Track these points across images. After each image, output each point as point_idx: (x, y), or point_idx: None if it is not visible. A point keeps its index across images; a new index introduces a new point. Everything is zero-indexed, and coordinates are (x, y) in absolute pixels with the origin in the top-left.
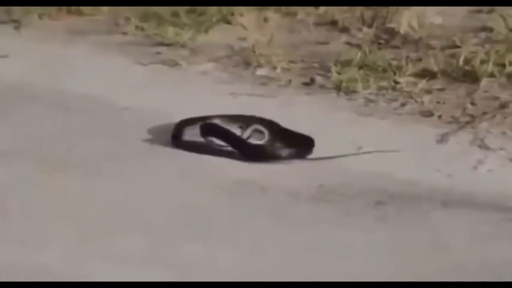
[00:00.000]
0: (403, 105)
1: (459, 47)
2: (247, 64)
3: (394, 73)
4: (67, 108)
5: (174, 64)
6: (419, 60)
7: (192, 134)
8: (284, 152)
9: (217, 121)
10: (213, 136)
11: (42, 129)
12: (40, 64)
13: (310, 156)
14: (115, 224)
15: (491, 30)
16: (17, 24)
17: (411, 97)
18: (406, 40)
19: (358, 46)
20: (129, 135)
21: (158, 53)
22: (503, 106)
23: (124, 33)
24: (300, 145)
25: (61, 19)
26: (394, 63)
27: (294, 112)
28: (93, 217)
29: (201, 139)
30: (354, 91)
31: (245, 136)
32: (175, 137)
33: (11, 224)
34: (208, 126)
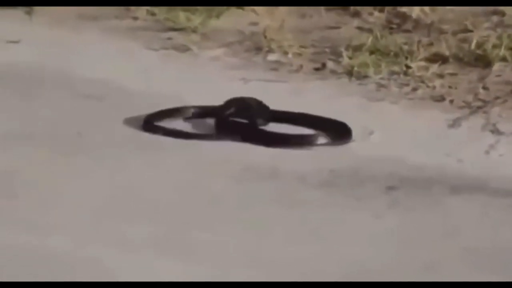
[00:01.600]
0: (414, 89)
1: (471, 31)
2: (258, 49)
3: (406, 58)
4: (78, 92)
5: (185, 49)
6: (431, 44)
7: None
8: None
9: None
10: (230, 133)
11: (52, 113)
12: (51, 49)
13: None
14: (123, 209)
15: (503, 14)
16: (28, 9)
17: (422, 82)
18: (417, 24)
19: (370, 31)
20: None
21: (169, 38)
22: None
23: (135, 18)
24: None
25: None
26: (406, 47)
27: (306, 97)
28: (102, 202)
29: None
30: (366, 76)
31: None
32: (147, 122)
33: (20, 208)
34: (224, 123)
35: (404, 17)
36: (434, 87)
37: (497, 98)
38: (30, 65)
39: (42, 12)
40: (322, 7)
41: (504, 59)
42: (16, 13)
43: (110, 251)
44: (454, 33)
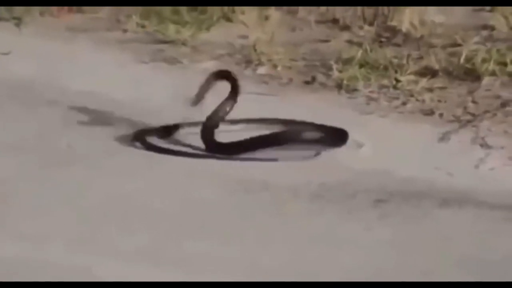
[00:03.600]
0: (404, 103)
1: (460, 45)
2: (248, 62)
3: (396, 71)
4: (68, 104)
5: (175, 61)
6: (421, 58)
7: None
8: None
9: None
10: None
11: (43, 125)
12: (41, 61)
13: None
14: (115, 220)
15: (492, 28)
16: (18, 21)
17: (412, 96)
18: (407, 38)
19: (359, 44)
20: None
21: (160, 50)
22: (504, 104)
23: (125, 30)
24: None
25: (62, 17)
26: (395, 61)
27: (296, 110)
28: (95, 213)
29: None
30: (355, 89)
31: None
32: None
33: (14, 219)
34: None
35: (394, 31)
36: (423, 101)
37: (486, 112)
38: (20, 76)
39: (32, 23)
40: (313, 20)
41: (493, 73)
42: (5, 25)
43: (102, 261)
44: (444, 47)
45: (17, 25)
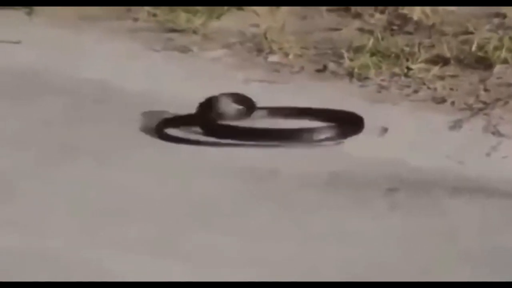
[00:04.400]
0: (415, 91)
1: (472, 33)
2: (259, 50)
3: (407, 60)
4: (79, 94)
5: (186, 50)
6: (432, 46)
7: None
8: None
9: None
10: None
11: (54, 114)
12: (52, 50)
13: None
14: (120, 211)
15: (504, 16)
16: (29, 10)
17: (423, 84)
18: (419, 26)
19: (371, 32)
20: (140, 122)
21: (170, 39)
22: None
23: (136, 19)
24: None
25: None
26: (407, 49)
27: (307, 98)
28: (101, 205)
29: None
30: (367, 78)
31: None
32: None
33: (19, 210)
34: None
35: (405, 19)
36: (435, 89)
37: (498, 100)
38: (30, 66)
39: (43, 13)
40: (324, 8)
41: (505, 61)
42: (16, 14)
43: (107, 253)
44: (455, 35)
45: (28, 13)
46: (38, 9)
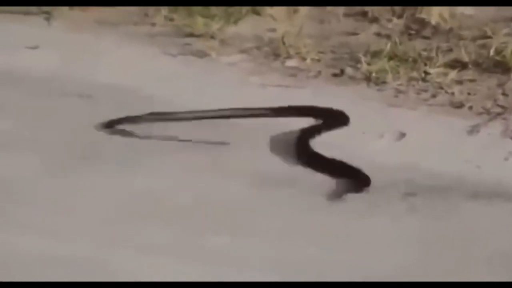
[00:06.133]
0: (433, 96)
1: (490, 37)
2: (276, 55)
3: (425, 64)
4: (96, 98)
5: (203, 55)
6: (450, 50)
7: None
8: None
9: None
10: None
11: (72, 119)
12: (70, 55)
13: None
14: (140, 214)
15: None
16: (47, 15)
17: (441, 88)
18: (436, 30)
19: (388, 37)
20: (156, 126)
21: (188, 44)
22: None
23: (153, 24)
24: None
25: (91, 10)
26: (425, 53)
27: (324, 103)
28: (120, 208)
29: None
30: (384, 82)
31: None
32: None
33: (39, 215)
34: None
35: (423, 23)
36: (453, 94)
37: None
38: (48, 70)
39: (61, 17)
40: (341, 13)
41: None
42: (35, 19)
43: (127, 255)
44: (473, 39)
45: (47, 19)
46: (56, 14)
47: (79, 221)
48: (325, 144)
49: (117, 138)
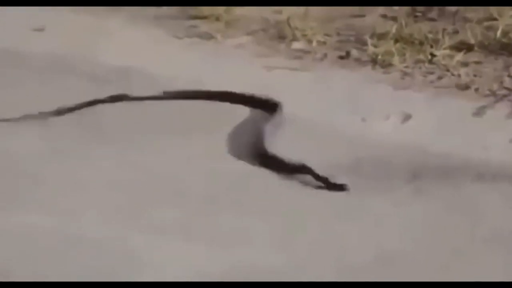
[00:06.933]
0: (439, 78)
1: (496, 19)
2: (282, 37)
3: (431, 46)
4: (102, 79)
5: (209, 37)
6: (456, 32)
7: None
8: None
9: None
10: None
11: (78, 100)
12: (76, 36)
13: None
14: (150, 193)
15: None
16: None
17: (447, 70)
18: (442, 12)
19: (394, 19)
20: (163, 107)
21: (194, 26)
22: None
23: (160, 6)
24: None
25: None
26: (431, 36)
27: (330, 86)
28: (130, 188)
29: None
30: (390, 64)
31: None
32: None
33: (50, 193)
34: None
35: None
36: (459, 76)
37: None
38: (55, 52)
39: None
40: None
41: None
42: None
43: (137, 235)
44: (480, 22)
45: None
46: None
47: (90, 199)
48: (330, 126)
49: (124, 119)
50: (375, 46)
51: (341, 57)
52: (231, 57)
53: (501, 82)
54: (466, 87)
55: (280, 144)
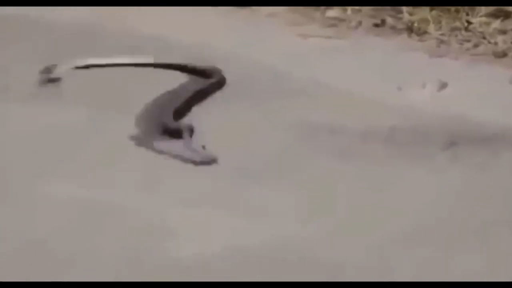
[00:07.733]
0: (476, 46)
1: None
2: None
3: (467, 14)
4: (135, 47)
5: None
6: None
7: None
8: None
9: None
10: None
11: (113, 71)
12: (105, 6)
13: None
14: (179, 165)
15: None
16: None
17: (484, 38)
18: None
19: None
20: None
21: None
22: None
23: None
24: None
25: None
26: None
27: (365, 54)
28: (159, 159)
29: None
30: (426, 32)
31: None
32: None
33: (81, 163)
34: None
35: None
36: (496, 43)
37: None
38: (88, 20)
39: None
40: None
41: None
42: None
43: (167, 206)
44: None
45: None
46: None
47: (121, 173)
48: (365, 94)
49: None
50: (411, 14)
51: (376, 25)
52: (266, 25)
53: None
54: (503, 54)
55: (313, 107)
